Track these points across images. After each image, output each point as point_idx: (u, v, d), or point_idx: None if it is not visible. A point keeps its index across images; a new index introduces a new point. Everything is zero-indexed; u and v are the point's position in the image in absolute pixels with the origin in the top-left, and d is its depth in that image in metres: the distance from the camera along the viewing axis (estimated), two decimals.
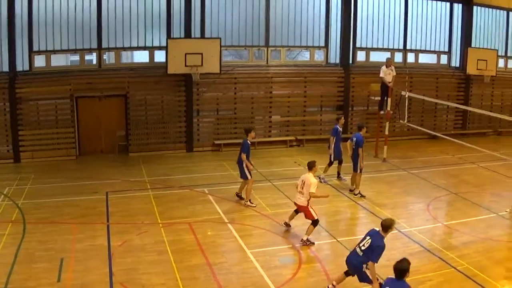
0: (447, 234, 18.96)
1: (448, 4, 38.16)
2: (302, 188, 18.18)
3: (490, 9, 39.45)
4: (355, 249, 13.74)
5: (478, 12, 38.80)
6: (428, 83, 36.63)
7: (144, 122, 31.24)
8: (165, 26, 31.20)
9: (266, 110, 33.84)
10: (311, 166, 18.61)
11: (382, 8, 36.13)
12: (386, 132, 29.74)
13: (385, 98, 30.12)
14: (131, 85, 30.56)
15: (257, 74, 33.34)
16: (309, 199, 18.02)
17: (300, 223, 18.98)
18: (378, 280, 12.97)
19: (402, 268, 11.62)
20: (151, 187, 24.42)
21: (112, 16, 30.17)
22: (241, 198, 22.16)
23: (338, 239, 18.38)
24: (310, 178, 18.10)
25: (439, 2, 37.83)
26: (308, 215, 18.24)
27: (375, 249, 13.11)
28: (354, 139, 23.72)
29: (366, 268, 13.15)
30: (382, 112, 30.72)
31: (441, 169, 25.85)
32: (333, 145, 25.41)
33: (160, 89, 31.21)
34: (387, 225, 13.44)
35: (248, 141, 21.84)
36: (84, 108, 30.17)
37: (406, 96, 29.69)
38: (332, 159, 25.26)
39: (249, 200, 21.61)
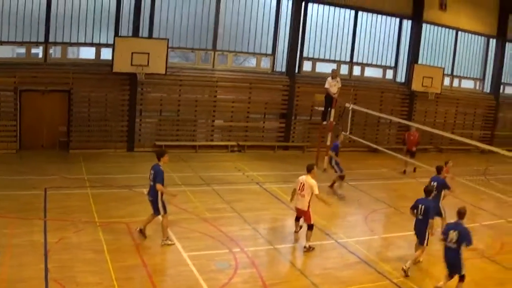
0: (384, 247, 19.25)
1: (397, 19, 38.91)
2: (303, 191, 18.51)
3: (439, 27, 40.26)
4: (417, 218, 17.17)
5: (427, 30, 39.66)
6: (372, 97, 37.14)
7: (87, 119, 31.01)
8: (114, 23, 31.01)
9: (210, 113, 33.92)
10: (310, 169, 18.89)
11: (331, 19, 36.58)
12: (328, 143, 29.99)
13: (329, 109, 30.42)
14: (76, 81, 30.27)
15: (203, 78, 33.38)
16: (309, 201, 18.45)
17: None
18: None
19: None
20: (90, 185, 24.26)
21: (61, 10, 29.77)
22: (144, 235, 18.31)
23: (275, 246, 18.55)
24: (309, 180, 18.55)
25: (388, 17, 38.47)
26: (307, 219, 18.61)
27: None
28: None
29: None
30: (324, 123, 30.98)
31: (380, 182, 26.21)
32: (335, 161, 25.41)
33: (105, 86, 31.00)
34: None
35: (161, 168, 17.79)
36: (28, 102, 29.78)
37: (350, 108, 30.05)
38: (342, 173, 25.12)
39: (167, 238, 18.06)
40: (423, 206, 17.02)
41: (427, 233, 17.03)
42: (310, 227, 18.53)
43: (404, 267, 16.45)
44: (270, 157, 32.84)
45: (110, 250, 17.00)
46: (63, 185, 23.73)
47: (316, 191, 18.40)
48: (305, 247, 18.38)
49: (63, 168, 26.87)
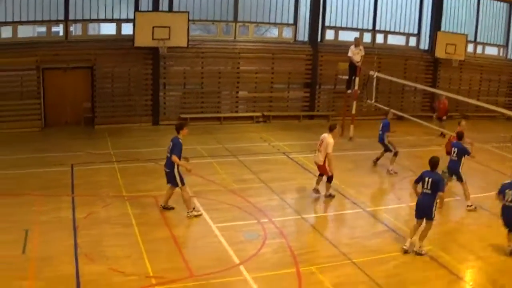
0: (412, 215, 19.01)
1: None
2: (320, 146, 19.86)
3: None
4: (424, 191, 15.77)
5: None
6: (396, 65, 36.71)
7: (110, 94, 31.11)
8: None
9: (233, 85, 33.83)
10: (331, 128, 20.03)
11: None
12: (353, 111, 29.83)
13: (353, 77, 30.15)
14: (98, 57, 30.35)
15: (225, 49, 33.26)
16: (325, 158, 19.66)
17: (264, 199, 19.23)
18: None
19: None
20: (116, 159, 24.32)
21: None
22: (169, 208, 18.45)
23: (303, 216, 18.47)
24: (329, 138, 19.66)
25: None
26: (324, 172, 20.03)
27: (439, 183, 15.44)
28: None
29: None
30: (349, 91, 30.74)
31: (406, 150, 25.99)
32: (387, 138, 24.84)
33: (127, 61, 31.02)
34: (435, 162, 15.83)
35: (180, 140, 17.74)
36: (50, 80, 29.89)
37: (374, 76, 29.75)
38: (395, 149, 24.76)
39: (193, 209, 18.05)
40: (430, 180, 15.57)
41: (434, 207, 15.63)
42: (329, 179, 19.98)
43: (416, 250, 15.53)
44: (295, 127, 32.69)
45: (139, 223, 17.05)
46: (89, 161, 23.81)
47: (329, 150, 19.52)
48: (325, 194, 20.08)
49: (89, 144, 27.00)
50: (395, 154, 23.81)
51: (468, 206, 19.61)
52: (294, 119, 34.43)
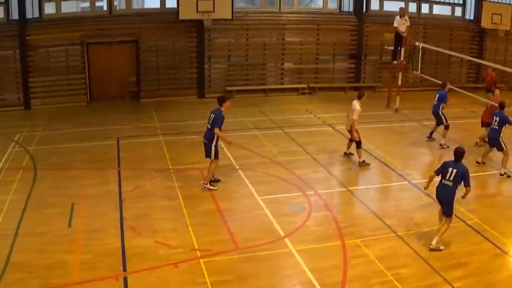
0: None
1: None
2: (350, 113, 20.54)
3: None
4: (444, 183, 14.20)
5: None
6: (441, 35, 36.11)
7: (156, 68, 31.19)
8: None
9: (278, 57, 33.65)
10: (360, 95, 20.81)
11: None
12: (399, 83, 29.48)
13: (399, 48, 29.76)
14: (142, 31, 30.43)
15: (269, 21, 33.08)
16: (352, 124, 20.37)
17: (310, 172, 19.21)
18: None
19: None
20: (162, 133, 24.46)
21: None
22: (215, 181, 18.39)
23: (349, 188, 18.40)
24: (356, 105, 20.33)
25: None
26: (352, 136, 20.69)
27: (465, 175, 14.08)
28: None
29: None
30: (395, 62, 30.39)
31: (452, 121, 25.69)
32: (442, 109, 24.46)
33: (172, 35, 31.06)
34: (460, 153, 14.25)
35: (222, 113, 17.79)
36: (95, 54, 30.12)
37: (420, 47, 29.34)
38: (447, 122, 24.38)
39: (209, 183, 18.01)
40: (455, 171, 13.98)
41: (454, 202, 14.09)
42: (357, 144, 20.49)
43: (432, 246, 13.96)
44: (341, 99, 32.29)
45: (185, 196, 17.16)
46: (135, 134, 24.00)
47: (355, 116, 20.24)
48: (359, 162, 20.46)
49: (135, 117, 27.20)
50: (447, 127, 23.43)
51: (500, 174, 19.64)
52: (340, 91, 34.15)
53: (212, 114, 17.79)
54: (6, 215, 15.57)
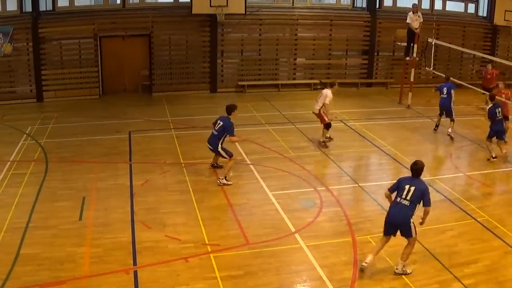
0: (469, 185, 18.80)
1: None
2: (319, 98, 21.85)
3: None
4: (399, 202, 12.47)
5: None
6: (454, 32, 35.95)
7: (168, 62, 31.20)
8: None
9: (291, 52, 33.58)
10: (332, 84, 22.25)
11: None
12: (411, 79, 29.41)
13: (412, 44, 29.69)
14: (155, 25, 30.40)
15: (283, 16, 33.02)
16: (320, 108, 21.58)
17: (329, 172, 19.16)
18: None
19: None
20: (174, 127, 24.51)
21: None
22: (218, 167, 19.09)
23: (360, 184, 18.37)
24: (328, 92, 21.72)
25: None
26: (321, 120, 21.86)
27: (425, 193, 12.54)
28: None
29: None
30: (408, 58, 30.33)
31: (463, 118, 25.56)
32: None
33: (185, 29, 31.01)
34: (419, 168, 12.72)
35: (231, 121, 17.98)
36: (108, 48, 30.15)
37: (433, 43, 29.25)
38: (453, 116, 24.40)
39: (224, 177, 17.92)
40: (412, 188, 12.46)
41: (412, 224, 12.49)
42: (325, 126, 21.89)
43: (397, 271, 12.61)
44: (353, 94, 32.32)
45: (196, 190, 17.20)
46: (147, 128, 24.05)
47: (326, 101, 21.57)
48: (319, 141, 22.07)
49: (147, 111, 27.22)
50: (453, 120, 23.55)
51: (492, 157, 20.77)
52: (352, 87, 34.05)
53: (220, 121, 17.98)
54: (17, 208, 15.62)
